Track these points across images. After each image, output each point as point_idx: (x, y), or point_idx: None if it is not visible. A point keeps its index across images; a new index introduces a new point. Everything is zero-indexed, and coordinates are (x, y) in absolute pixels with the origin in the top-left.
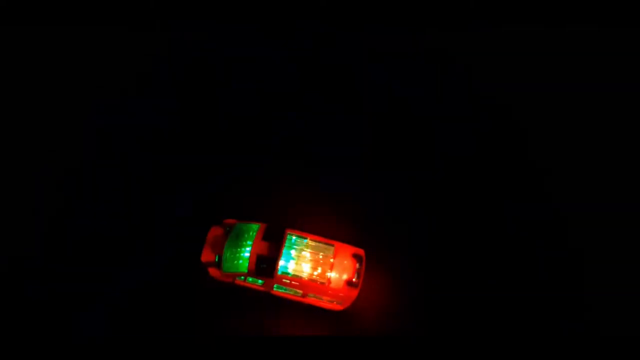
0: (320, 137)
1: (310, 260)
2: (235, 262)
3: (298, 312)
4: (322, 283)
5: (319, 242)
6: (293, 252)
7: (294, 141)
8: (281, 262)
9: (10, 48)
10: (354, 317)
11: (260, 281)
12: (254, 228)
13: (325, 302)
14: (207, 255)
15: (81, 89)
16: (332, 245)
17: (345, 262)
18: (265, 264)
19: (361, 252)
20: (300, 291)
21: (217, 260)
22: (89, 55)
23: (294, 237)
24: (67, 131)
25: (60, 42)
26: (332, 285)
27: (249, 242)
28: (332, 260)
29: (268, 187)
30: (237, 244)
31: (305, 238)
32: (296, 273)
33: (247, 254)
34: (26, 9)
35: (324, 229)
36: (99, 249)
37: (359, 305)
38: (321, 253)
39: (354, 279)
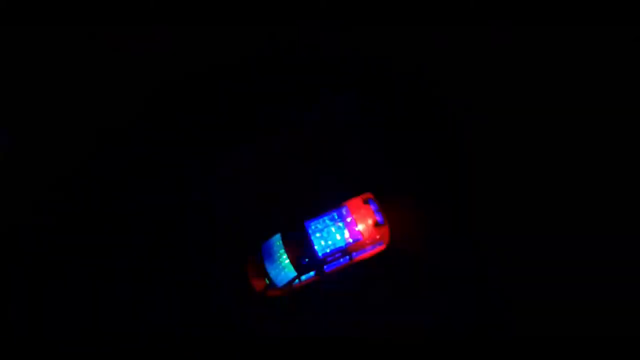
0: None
1: (336, 230)
2: (283, 272)
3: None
4: (357, 240)
5: (332, 211)
6: (319, 234)
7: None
8: (317, 247)
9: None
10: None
11: (311, 273)
12: (277, 238)
13: (370, 252)
14: (259, 284)
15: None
16: (344, 207)
17: (362, 211)
18: (307, 258)
19: (369, 195)
20: (347, 256)
21: (268, 282)
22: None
23: (312, 224)
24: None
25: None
26: (366, 235)
27: (282, 251)
28: (350, 219)
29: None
30: (274, 259)
31: (320, 216)
32: (333, 247)
33: (287, 261)
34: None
35: (330, 198)
36: None
37: (396, 233)
38: (339, 219)
39: (377, 219)
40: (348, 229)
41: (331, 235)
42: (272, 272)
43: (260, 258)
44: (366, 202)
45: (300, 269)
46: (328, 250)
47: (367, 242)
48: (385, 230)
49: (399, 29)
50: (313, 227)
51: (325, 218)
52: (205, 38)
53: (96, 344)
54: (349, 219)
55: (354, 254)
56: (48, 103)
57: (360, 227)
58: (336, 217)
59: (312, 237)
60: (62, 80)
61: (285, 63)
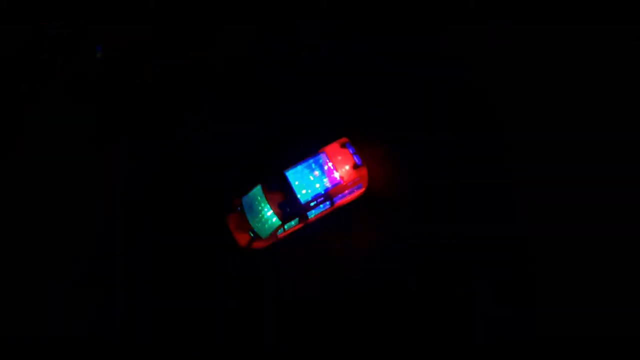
0: None
1: (315, 177)
2: (267, 225)
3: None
4: (338, 185)
5: (310, 159)
6: (299, 182)
7: None
8: (298, 195)
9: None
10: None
11: (294, 221)
12: (258, 191)
13: (351, 196)
14: (243, 239)
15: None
16: (322, 153)
17: (340, 157)
18: (289, 207)
19: (345, 139)
20: (328, 202)
21: (252, 235)
22: None
23: (291, 172)
24: None
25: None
26: (346, 179)
27: (263, 204)
28: (330, 164)
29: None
30: (256, 211)
31: (299, 164)
32: (314, 193)
33: (270, 212)
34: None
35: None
36: None
37: (374, 177)
38: (318, 165)
39: (356, 161)
40: (327, 174)
41: (311, 182)
42: (256, 224)
43: (242, 212)
44: (343, 146)
45: (283, 218)
46: (309, 197)
47: (347, 185)
48: (363, 172)
49: (399, 29)
50: (293, 175)
51: (304, 165)
52: (205, 38)
53: None
54: (328, 164)
55: (335, 198)
56: (47, 103)
57: (339, 171)
58: (314, 165)
59: (293, 186)
60: (61, 80)
61: (285, 63)
